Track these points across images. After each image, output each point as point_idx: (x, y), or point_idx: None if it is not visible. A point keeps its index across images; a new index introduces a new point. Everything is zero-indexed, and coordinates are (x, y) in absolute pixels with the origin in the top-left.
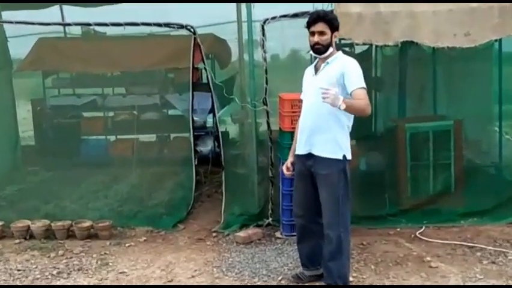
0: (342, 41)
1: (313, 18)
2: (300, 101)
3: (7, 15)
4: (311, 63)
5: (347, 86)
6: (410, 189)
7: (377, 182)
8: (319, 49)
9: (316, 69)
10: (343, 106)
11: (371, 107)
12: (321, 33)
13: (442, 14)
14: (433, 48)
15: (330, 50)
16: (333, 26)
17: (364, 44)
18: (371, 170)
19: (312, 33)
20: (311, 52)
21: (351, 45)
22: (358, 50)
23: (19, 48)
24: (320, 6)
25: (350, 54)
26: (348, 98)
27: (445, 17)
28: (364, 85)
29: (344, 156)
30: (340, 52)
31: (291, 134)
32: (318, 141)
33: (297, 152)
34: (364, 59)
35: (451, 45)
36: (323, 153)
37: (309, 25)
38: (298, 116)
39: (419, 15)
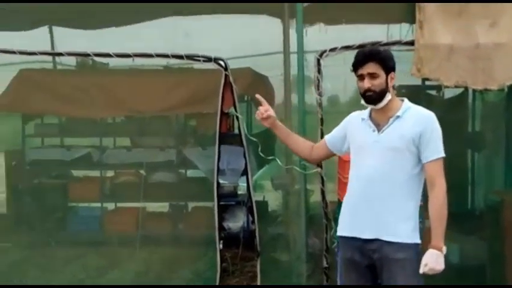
0: (427, 82)
1: (360, 59)
2: None
3: None
4: None
5: (423, 151)
6: None
7: (476, 282)
8: (371, 97)
9: (377, 124)
10: (445, 248)
11: (445, 182)
12: (373, 75)
13: None
14: None
15: (388, 97)
16: (388, 66)
17: (456, 86)
18: (466, 263)
19: (361, 77)
20: (362, 101)
21: (438, 88)
22: (449, 93)
23: None
24: (396, 33)
25: (438, 99)
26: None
27: None
28: (443, 153)
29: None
30: (406, 100)
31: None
32: (390, 223)
33: (347, 234)
34: (457, 106)
35: None
36: (396, 238)
37: (355, 67)
38: None
39: None
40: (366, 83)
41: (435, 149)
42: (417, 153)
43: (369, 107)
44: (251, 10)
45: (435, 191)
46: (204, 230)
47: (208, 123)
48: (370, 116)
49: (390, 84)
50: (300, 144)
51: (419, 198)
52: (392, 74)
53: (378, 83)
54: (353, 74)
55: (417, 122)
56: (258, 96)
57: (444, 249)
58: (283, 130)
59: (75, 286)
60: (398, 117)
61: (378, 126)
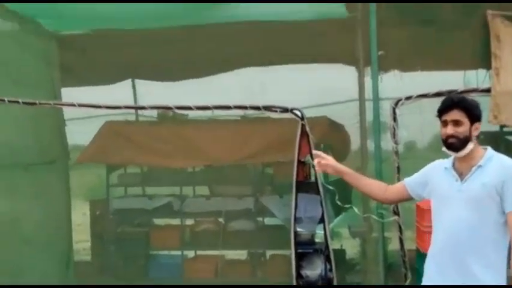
0: (505, 128)
1: (446, 105)
2: None
3: (68, 93)
4: None
5: (505, 201)
6: None
7: None
8: (453, 144)
9: (460, 173)
10: None
11: None
12: (457, 122)
13: None
14: None
15: (470, 146)
16: (473, 115)
17: None
18: None
19: (445, 123)
20: (444, 148)
21: None
22: None
23: (80, 134)
24: (474, 80)
25: None
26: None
27: None
28: None
29: None
30: (490, 149)
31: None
32: (476, 274)
33: (431, 283)
34: None
35: None
36: None
37: (440, 113)
38: None
39: None
40: (449, 130)
41: None
42: (501, 202)
43: (450, 154)
44: (326, 59)
45: None
46: (282, 277)
47: (285, 171)
48: (453, 165)
49: (473, 134)
50: (373, 185)
51: (506, 248)
52: (477, 124)
53: (461, 130)
54: (427, 119)
55: (499, 171)
56: (314, 152)
57: None
58: (351, 174)
59: (74, 286)
60: (480, 166)
61: (461, 176)
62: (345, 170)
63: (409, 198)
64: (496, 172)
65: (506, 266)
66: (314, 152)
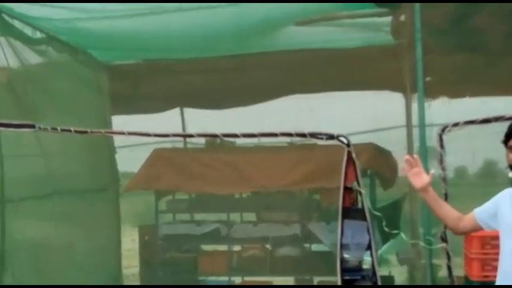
0: None
1: None
2: (493, 238)
3: (118, 120)
4: None
5: None
6: None
7: None
8: None
9: None
10: None
11: None
12: None
13: None
14: None
15: None
16: None
17: None
18: None
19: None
20: (511, 174)
21: None
22: None
23: (129, 161)
24: None
25: None
26: None
27: None
28: None
29: None
30: None
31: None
32: None
33: None
34: None
35: None
36: None
37: (507, 138)
38: (493, 260)
39: None
40: None
41: None
42: None
43: None
44: (373, 86)
45: None
46: None
47: (332, 197)
48: None
49: None
50: (449, 214)
51: None
52: None
53: None
54: (475, 146)
55: None
56: (407, 157)
57: None
58: (433, 195)
59: (75, 286)
60: None
61: None
62: (430, 189)
63: (480, 228)
64: None
65: None
66: (410, 157)
